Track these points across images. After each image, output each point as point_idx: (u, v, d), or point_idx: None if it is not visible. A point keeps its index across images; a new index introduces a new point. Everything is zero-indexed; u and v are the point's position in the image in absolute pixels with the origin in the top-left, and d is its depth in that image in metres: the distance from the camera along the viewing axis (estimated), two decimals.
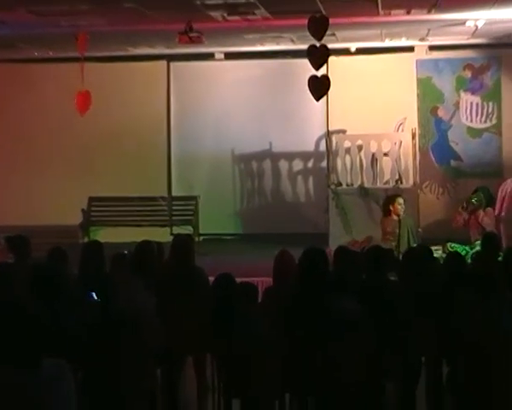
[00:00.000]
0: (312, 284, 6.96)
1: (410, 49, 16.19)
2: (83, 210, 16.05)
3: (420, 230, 14.05)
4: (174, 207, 16.18)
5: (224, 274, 7.36)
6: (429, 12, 12.06)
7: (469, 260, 9.43)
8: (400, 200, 12.35)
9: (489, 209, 12.86)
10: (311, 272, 7.19)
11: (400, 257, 9.11)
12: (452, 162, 16.38)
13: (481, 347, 5.98)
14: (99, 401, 5.99)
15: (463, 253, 11.09)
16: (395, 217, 12.20)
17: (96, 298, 7.08)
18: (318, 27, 11.24)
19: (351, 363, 6.14)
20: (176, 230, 15.23)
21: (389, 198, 12.58)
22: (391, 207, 12.32)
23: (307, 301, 6.72)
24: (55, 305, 6.55)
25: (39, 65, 16.78)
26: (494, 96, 16.24)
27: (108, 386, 6.06)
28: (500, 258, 8.57)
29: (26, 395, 4.29)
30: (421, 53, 16.27)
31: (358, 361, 6.16)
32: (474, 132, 16.30)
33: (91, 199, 16.25)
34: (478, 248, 11.05)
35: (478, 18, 12.80)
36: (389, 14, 12.13)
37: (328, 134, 16.01)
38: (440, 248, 11.80)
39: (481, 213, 12.72)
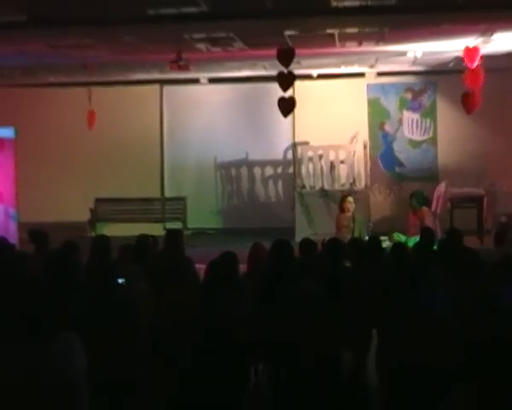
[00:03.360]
0: (280, 270, 6.99)
1: (362, 74, 16.24)
2: (90, 209, 16.00)
3: (371, 224, 14.13)
4: (166, 207, 16.16)
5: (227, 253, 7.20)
6: (377, 44, 12.09)
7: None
8: (350, 198, 12.29)
9: (425, 208, 12.60)
10: (280, 259, 7.22)
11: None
12: (397, 168, 16.44)
13: (408, 325, 6.01)
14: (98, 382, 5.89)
15: (405, 241, 11.08)
16: (348, 213, 12.21)
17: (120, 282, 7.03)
18: (286, 57, 11.27)
19: (312, 335, 6.17)
20: (168, 225, 15.20)
21: (342, 197, 12.53)
22: (343, 205, 12.30)
23: (276, 284, 6.74)
24: (67, 287, 6.54)
25: (54, 89, 16.69)
26: (431, 113, 16.32)
27: (107, 370, 5.98)
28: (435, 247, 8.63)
29: (43, 364, 4.22)
30: (371, 78, 16.32)
31: (319, 333, 6.18)
32: (415, 144, 16.38)
33: (98, 200, 16.22)
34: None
35: (417, 49, 12.85)
36: (344, 45, 12.14)
37: (295, 145, 16.04)
38: (387, 238, 11.80)
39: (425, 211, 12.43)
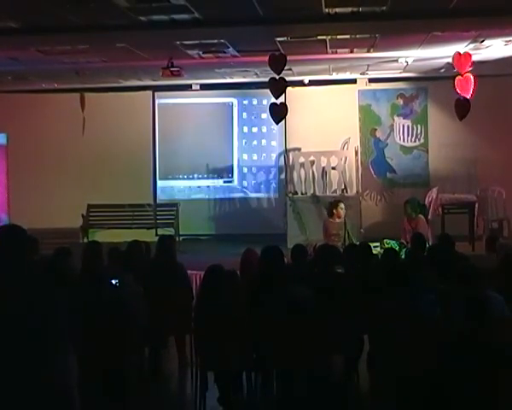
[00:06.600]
0: (269, 275, 7.03)
1: (353, 81, 16.26)
2: (82, 215, 15.96)
3: (362, 230, 14.13)
4: (158, 213, 16.11)
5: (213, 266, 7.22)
6: (368, 51, 12.13)
7: (403, 256, 9.43)
8: (342, 205, 12.13)
9: (421, 217, 12.36)
10: (270, 265, 7.25)
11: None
12: (388, 174, 16.46)
13: (393, 328, 6.05)
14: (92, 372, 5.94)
15: (396, 247, 11.01)
16: (338, 220, 12.09)
17: (115, 284, 7.04)
18: (277, 63, 11.30)
19: (304, 339, 6.19)
20: (160, 231, 15.16)
21: (332, 203, 12.34)
22: (334, 211, 12.21)
23: (267, 289, 6.77)
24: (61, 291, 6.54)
25: (46, 95, 16.66)
26: (422, 120, 16.36)
27: (100, 361, 6.03)
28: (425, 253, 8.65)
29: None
30: (362, 84, 16.35)
31: (311, 337, 6.21)
32: (406, 150, 16.41)
33: (90, 206, 16.15)
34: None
35: (408, 56, 12.90)
36: (336, 52, 12.18)
37: (286, 151, 16.07)
38: (378, 244, 11.77)
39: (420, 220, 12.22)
